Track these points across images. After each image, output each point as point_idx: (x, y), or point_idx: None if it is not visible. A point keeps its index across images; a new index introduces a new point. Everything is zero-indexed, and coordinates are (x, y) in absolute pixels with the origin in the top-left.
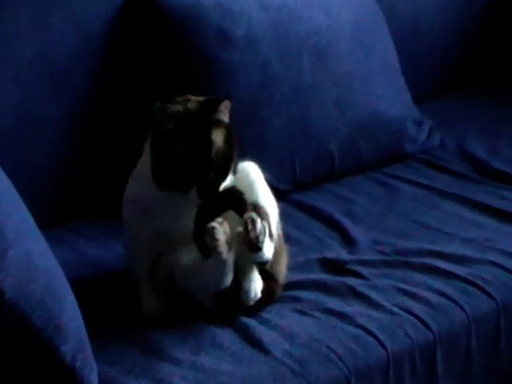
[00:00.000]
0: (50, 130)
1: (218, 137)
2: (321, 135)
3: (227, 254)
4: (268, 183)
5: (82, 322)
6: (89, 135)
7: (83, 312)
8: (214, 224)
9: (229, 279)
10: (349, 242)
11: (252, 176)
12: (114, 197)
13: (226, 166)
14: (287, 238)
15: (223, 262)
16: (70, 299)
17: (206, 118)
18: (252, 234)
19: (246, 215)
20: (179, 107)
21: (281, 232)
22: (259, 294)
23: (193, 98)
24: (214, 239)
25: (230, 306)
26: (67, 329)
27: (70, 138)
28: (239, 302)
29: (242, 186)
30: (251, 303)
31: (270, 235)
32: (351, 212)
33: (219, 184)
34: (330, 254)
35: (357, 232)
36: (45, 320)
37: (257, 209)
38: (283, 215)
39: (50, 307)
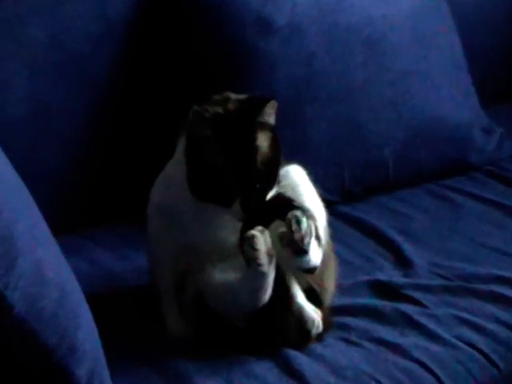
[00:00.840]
0: (64, 124)
1: (263, 142)
2: (373, 140)
3: (268, 267)
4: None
5: (99, 343)
6: (108, 132)
7: (100, 332)
8: (253, 232)
9: (267, 297)
10: (404, 263)
11: (296, 178)
12: (136, 201)
13: (272, 174)
14: None
15: (263, 276)
16: (86, 317)
17: (249, 121)
18: (297, 235)
19: (289, 214)
20: (218, 109)
21: (330, 240)
22: (321, 324)
23: (233, 96)
24: (254, 249)
25: (267, 329)
26: (82, 350)
27: (86, 133)
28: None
29: (284, 190)
30: (315, 332)
31: (318, 238)
32: (407, 229)
33: (265, 195)
34: (383, 277)
35: (413, 252)
36: (57, 339)
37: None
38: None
39: (64, 325)
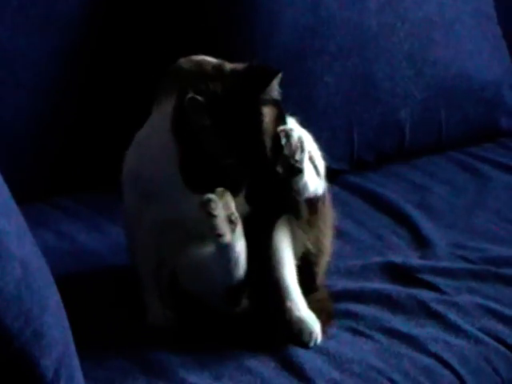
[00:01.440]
0: (29, 74)
1: (269, 123)
2: (388, 100)
3: (230, 236)
4: None
5: (68, 329)
6: (79, 86)
7: (70, 317)
8: (209, 195)
9: (240, 271)
10: (421, 243)
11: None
12: (111, 167)
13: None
14: (339, 232)
15: (227, 248)
16: (54, 299)
17: (253, 101)
18: (287, 149)
19: (278, 128)
20: (215, 87)
21: (329, 199)
22: (319, 335)
23: (227, 66)
24: (211, 216)
25: (251, 311)
26: (49, 336)
27: (55, 85)
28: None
29: None
30: (313, 344)
31: (315, 168)
32: (425, 204)
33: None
34: (397, 258)
35: (432, 231)
36: (20, 323)
37: None
38: (334, 202)
39: (28, 307)
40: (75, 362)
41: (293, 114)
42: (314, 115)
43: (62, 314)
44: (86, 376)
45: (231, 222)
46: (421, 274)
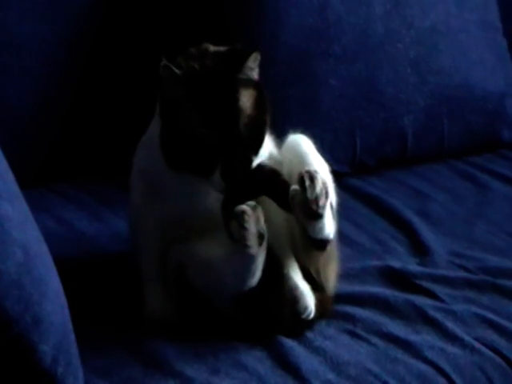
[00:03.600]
0: (35, 60)
1: (246, 102)
2: (391, 106)
3: (257, 249)
4: None
5: (67, 316)
6: (84, 73)
7: (70, 304)
8: (244, 208)
9: (254, 280)
10: (420, 249)
11: (303, 147)
12: (115, 157)
13: (258, 138)
14: (339, 235)
15: (250, 258)
16: (54, 285)
17: (229, 78)
18: (310, 194)
19: (302, 170)
20: (193, 64)
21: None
22: (313, 310)
23: (212, 48)
24: (243, 228)
25: (255, 317)
26: (49, 322)
27: (60, 72)
28: (277, 317)
29: (289, 160)
30: (304, 315)
31: (331, 207)
32: (425, 211)
33: (250, 163)
34: (395, 263)
35: (431, 238)
36: (20, 308)
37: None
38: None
39: (28, 292)
40: (74, 348)
41: (295, 116)
42: (317, 117)
43: (62, 300)
44: (83, 364)
45: (260, 235)
46: (419, 281)
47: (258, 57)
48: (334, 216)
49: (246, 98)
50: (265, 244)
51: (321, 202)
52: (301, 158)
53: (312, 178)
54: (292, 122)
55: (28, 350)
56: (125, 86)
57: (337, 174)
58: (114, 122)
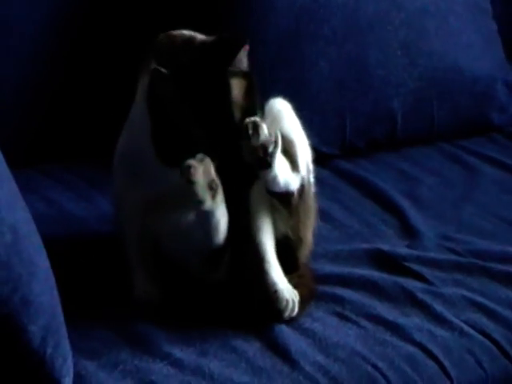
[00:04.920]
0: (19, 43)
1: (237, 93)
2: (381, 87)
3: (210, 203)
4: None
5: (56, 297)
6: (70, 55)
7: (58, 285)
8: (190, 162)
9: (221, 236)
10: (409, 232)
11: (278, 106)
12: (103, 138)
13: None
14: (328, 217)
15: (206, 214)
16: (43, 266)
17: (219, 72)
18: (254, 141)
19: (246, 119)
20: (181, 56)
21: (312, 181)
22: (296, 302)
23: (199, 37)
24: (191, 182)
25: (230, 279)
26: (38, 303)
27: (45, 54)
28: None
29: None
30: (288, 315)
31: (293, 163)
32: (415, 194)
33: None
34: (384, 246)
35: (420, 220)
36: (9, 289)
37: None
38: (324, 187)
39: (17, 273)
40: (63, 330)
41: (284, 98)
42: (307, 99)
43: (51, 281)
44: (72, 345)
45: (211, 188)
46: (408, 263)
47: (247, 47)
48: (296, 170)
49: (238, 90)
50: (220, 196)
51: (269, 150)
52: (274, 116)
53: (256, 126)
54: None
55: (17, 330)
56: (112, 67)
57: (326, 156)
58: (102, 103)
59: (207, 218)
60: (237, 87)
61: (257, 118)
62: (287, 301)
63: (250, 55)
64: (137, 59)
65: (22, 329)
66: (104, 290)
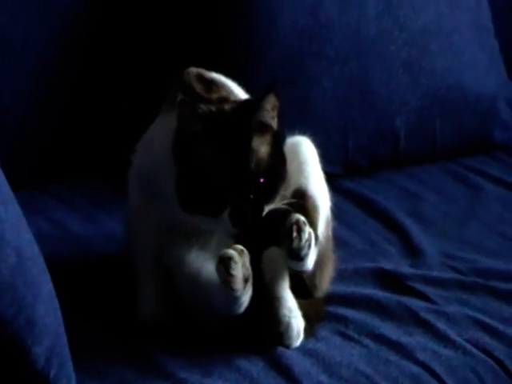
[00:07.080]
0: (28, 61)
1: (260, 145)
2: (384, 106)
3: (241, 292)
4: None
5: (60, 318)
6: (78, 74)
7: (62, 306)
8: (231, 253)
9: (242, 309)
10: (412, 251)
11: (303, 154)
12: (109, 158)
13: (272, 185)
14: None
15: (234, 299)
16: (46, 287)
17: (245, 120)
18: (295, 244)
19: (292, 217)
20: (211, 107)
21: (331, 234)
22: (302, 332)
23: (232, 96)
24: (229, 274)
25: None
26: (42, 325)
27: (53, 73)
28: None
29: (289, 163)
30: (294, 344)
31: (316, 238)
32: (417, 212)
33: (261, 209)
34: (387, 265)
35: (423, 239)
36: (13, 310)
37: (305, 197)
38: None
39: (21, 295)
40: (66, 351)
41: (287, 117)
42: (310, 118)
43: (55, 303)
44: (76, 366)
45: (245, 279)
46: (411, 282)
47: (276, 103)
48: (316, 243)
49: (260, 142)
50: (250, 284)
51: (303, 252)
52: (298, 165)
53: (299, 229)
54: (284, 123)
55: (21, 352)
56: (118, 87)
57: (329, 176)
58: (107, 123)
59: (233, 301)
60: (259, 139)
61: (300, 218)
62: (295, 331)
63: (253, 73)
64: (141, 76)
65: (26, 350)
66: (108, 311)
